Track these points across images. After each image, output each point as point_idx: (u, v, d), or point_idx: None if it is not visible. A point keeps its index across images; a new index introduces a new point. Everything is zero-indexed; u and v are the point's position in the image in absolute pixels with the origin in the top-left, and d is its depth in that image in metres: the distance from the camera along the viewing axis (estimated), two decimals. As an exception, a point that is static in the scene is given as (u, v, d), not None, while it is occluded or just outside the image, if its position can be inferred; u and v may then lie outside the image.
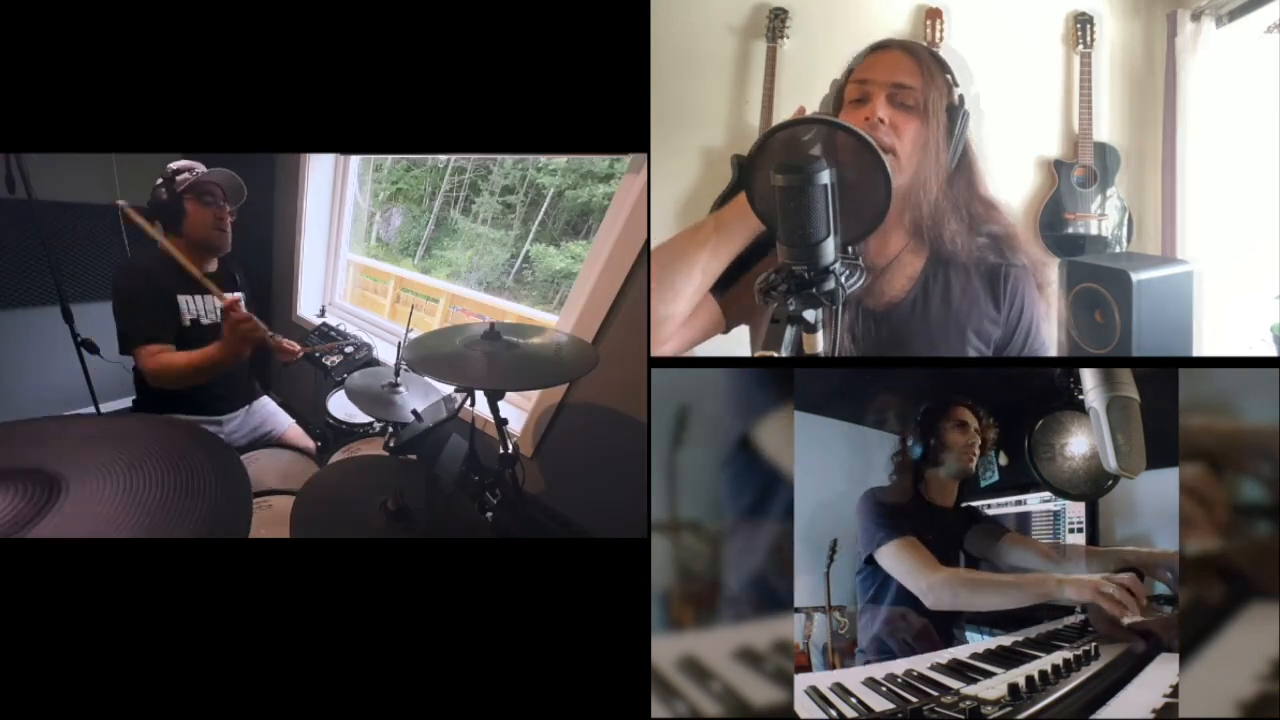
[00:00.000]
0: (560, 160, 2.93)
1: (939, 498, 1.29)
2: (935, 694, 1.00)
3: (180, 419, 2.13)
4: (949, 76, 1.22)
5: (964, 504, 1.30)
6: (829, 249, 0.86)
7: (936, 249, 1.22)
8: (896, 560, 1.22)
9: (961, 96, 1.22)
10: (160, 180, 2.08)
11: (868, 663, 1.17)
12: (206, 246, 2.12)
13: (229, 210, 2.11)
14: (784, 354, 0.88)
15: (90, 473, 1.14)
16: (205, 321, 2.11)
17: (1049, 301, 1.35)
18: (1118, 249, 2.22)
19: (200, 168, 2.10)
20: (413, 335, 2.35)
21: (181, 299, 2.07)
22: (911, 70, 1.19)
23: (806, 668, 1.19)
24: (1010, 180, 2.23)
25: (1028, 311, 1.28)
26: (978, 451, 1.29)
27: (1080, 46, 2.18)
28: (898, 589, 1.22)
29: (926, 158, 1.18)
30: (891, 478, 1.28)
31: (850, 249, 0.91)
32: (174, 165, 2.09)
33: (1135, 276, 1.90)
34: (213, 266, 2.19)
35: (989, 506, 1.33)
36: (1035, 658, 1.09)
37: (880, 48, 1.23)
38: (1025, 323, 1.28)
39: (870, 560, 1.23)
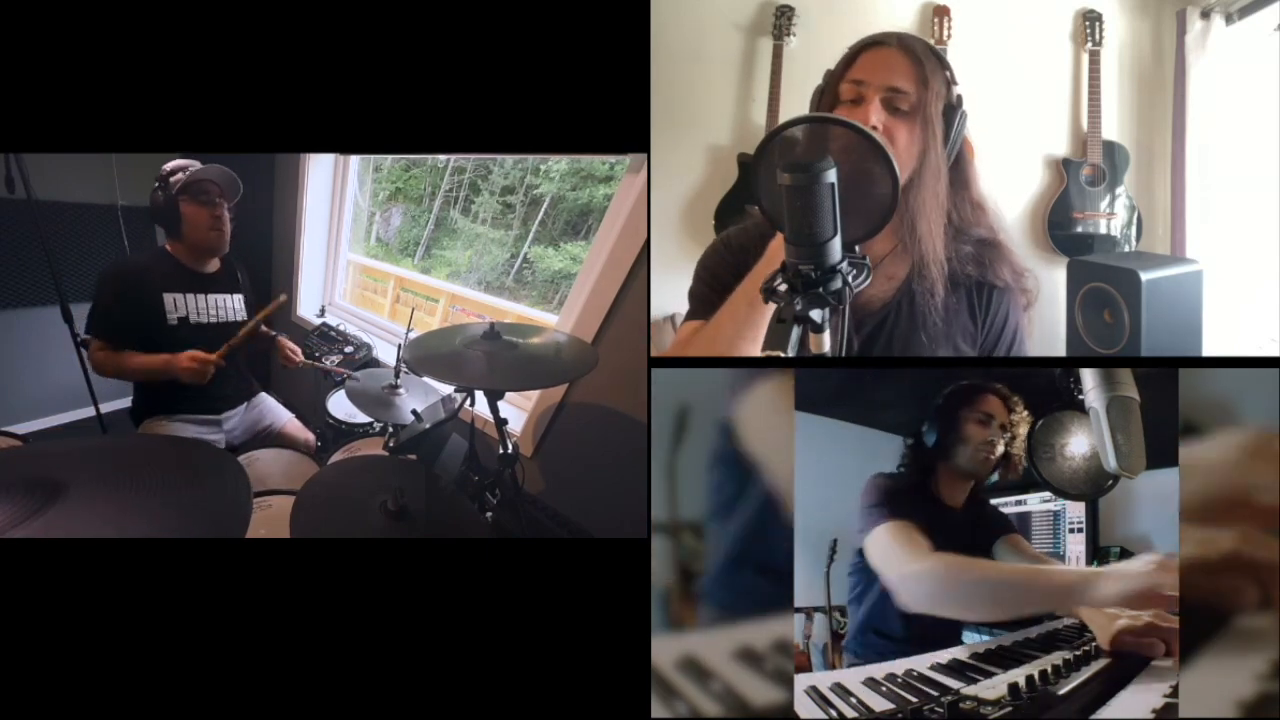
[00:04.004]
0: (559, 165, 2.93)
1: (948, 495, 1.21)
2: (935, 694, 1.00)
3: (179, 422, 2.14)
4: (947, 74, 1.19)
5: (975, 502, 1.23)
6: (836, 248, 0.86)
7: (920, 261, 1.20)
8: (883, 547, 1.12)
9: (960, 96, 1.19)
10: (156, 183, 2.07)
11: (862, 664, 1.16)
12: (205, 249, 2.12)
13: (225, 208, 2.10)
14: (790, 354, 0.87)
15: (91, 477, 1.15)
16: (194, 320, 2.11)
17: (1031, 318, 1.32)
18: (1126, 248, 2.22)
19: (192, 164, 2.09)
20: (413, 335, 2.35)
21: (168, 297, 2.06)
22: (908, 72, 1.16)
23: (806, 668, 1.19)
24: (1018, 179, 2.23)
25: (1009, 328, 1.26)
26: (999, 452, 1.20)
27: (1089, 44, 2.18)
28: (874, 601, 1.14)
29: (919, 165, 1.16)
30: (900, 467, 1.22)
31: (856, 248, 0.90)
32: (168, 166, 2.08)
33: (1144, 276, 1.90)
34: (214, 267, 2.18)
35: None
36: (1035, 658, 1.09)
37: (876, 44, 1.20)
38: (1008, 339, 1.26)
39: (862, 553, 1.17)
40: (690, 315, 1.28)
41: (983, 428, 1.20)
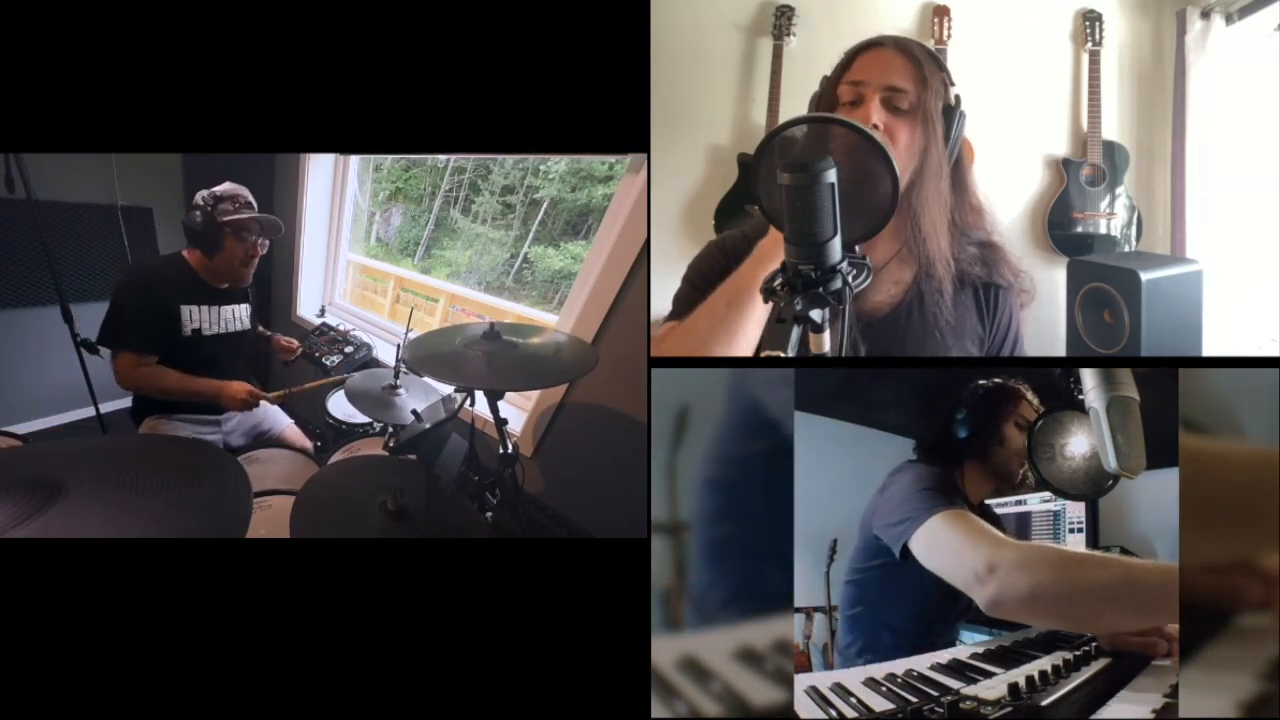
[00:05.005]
0: (558, 167, 2.93)
1: (971, 493, 1.17)
2: (935, 694, 1.00)
3: (178, 422, 2.14)
4: (944, 75, 1.20)
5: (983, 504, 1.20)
6: (836, 248, 0.86)
7: (926, 260, 1.20)
8: (946, 535, 1.02)
9: (958, 96, 1.20)
10: (200, 202, 2.09)
11: (866, 663, 1.15)
12: (231, 279, 2.17)
13: (260, 244, 2.15)
14: (790, 354, 0.87)
15: (91, 477, 1.15)
16: (207, 333, 2.13)
17: (1025, 318, 1.33)
18: (1126, 248, 2.22)
19: (244, 195, 2.11)
20: (413, 335, 2.35)
21: (185, 309, 2.08)
22: (906, 71, 1.17)
23: (806, 668, 1.19)
24: (1018, 179, 2.23)
25: (1013, 328, 1.28)
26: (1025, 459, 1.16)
27: (1089, 44, 2.18)
28: (890, 633, 1.11)
29: (921, 163, 1.16)
30: (916, 458, 1.18)
31: (856, 248, 0.90)
32: (218, 191, 2.09)
33: (1144, 276, 1.90)
34: (225, 283, 2.20)
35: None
36: (1035, 658, 1.09)
37: (873, 45, 1.20)
38: (1011, 339, 1.28)
39: (877, 552, 1.10)
40: (670, 317, 1.28)
41: (1020, 433, 1.17)
